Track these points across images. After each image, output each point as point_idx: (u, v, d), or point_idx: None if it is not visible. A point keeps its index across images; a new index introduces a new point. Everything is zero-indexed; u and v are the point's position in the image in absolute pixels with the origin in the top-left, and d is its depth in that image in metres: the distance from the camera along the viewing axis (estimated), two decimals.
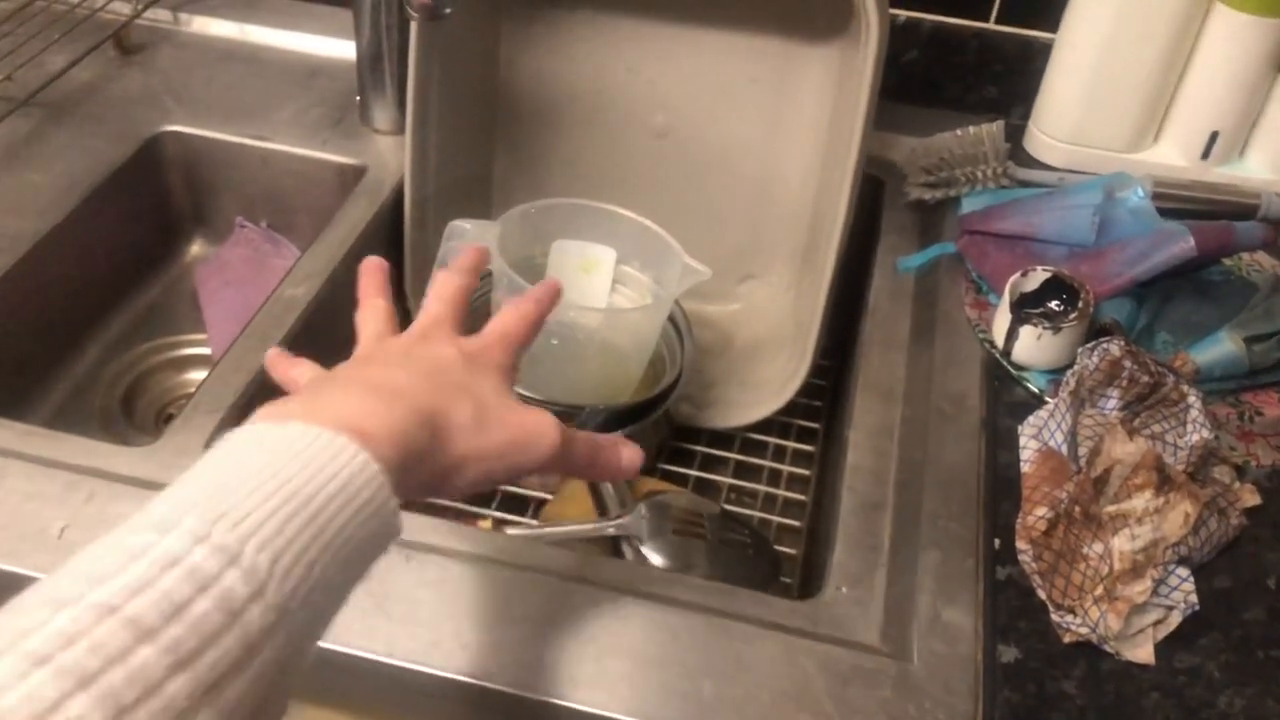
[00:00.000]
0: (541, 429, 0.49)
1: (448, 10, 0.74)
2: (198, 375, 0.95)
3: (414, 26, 0.79)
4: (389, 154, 0.95)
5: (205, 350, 0.96)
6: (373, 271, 0.58)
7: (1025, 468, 0.67)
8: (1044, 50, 0.97)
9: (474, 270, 0.58)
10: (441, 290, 0.56)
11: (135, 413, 0.91)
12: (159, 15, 1.09)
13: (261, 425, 0.41)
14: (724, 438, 0.90)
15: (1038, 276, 0.76)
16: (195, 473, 0.39)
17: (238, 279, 0.98)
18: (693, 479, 0.88)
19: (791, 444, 0.92)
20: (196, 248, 1.04)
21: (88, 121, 0.96)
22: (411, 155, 0.85)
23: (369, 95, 0.96)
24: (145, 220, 0.99)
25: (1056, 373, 0.75)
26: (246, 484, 0.37)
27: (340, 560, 0.38)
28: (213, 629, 0.33)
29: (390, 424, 0.43)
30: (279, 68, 1.05)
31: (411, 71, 0.81)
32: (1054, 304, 0.77)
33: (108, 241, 0.94)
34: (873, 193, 0.94)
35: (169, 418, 0.92)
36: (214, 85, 1.02)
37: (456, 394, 0.47)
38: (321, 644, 0.56)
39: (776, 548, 0.81)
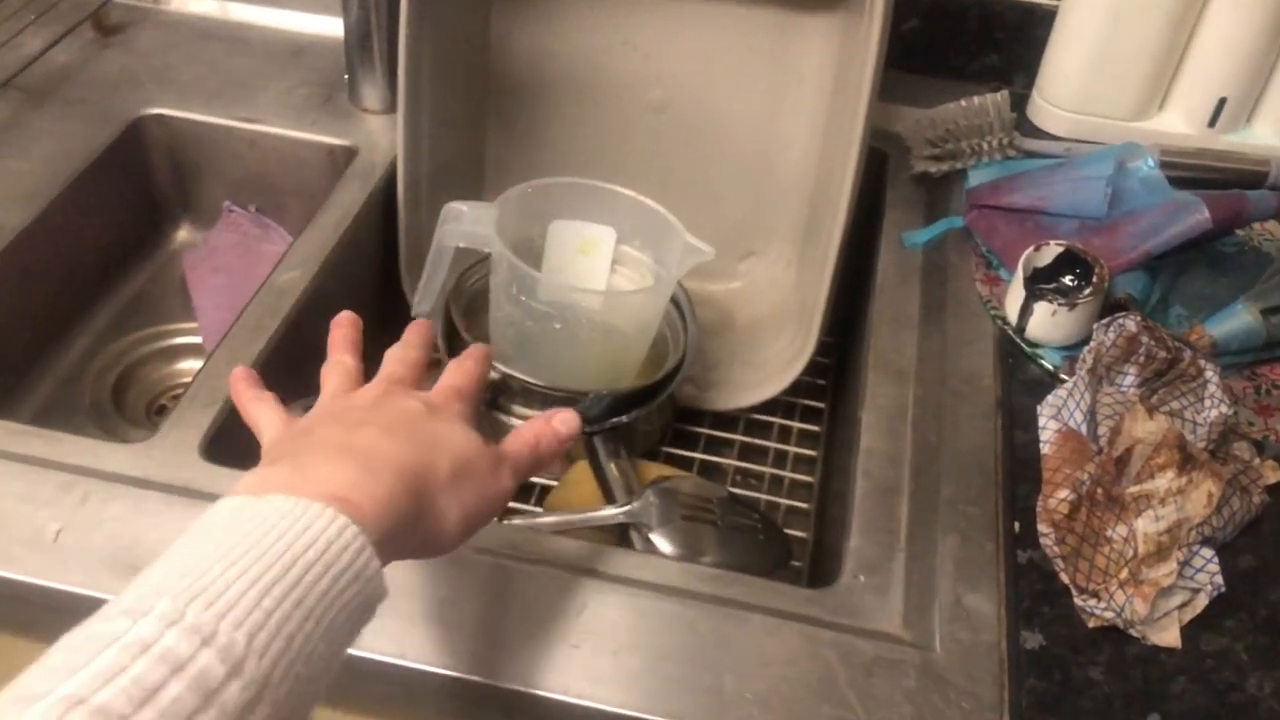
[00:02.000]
0: (500, 474, 0.51)
1: None
2: (189, 365, 0.92)
3: (403, 1, 0.77)
4: (380, 134, 0.93)
5: (196, 339, 0.93)
6: (344, 326, 0.58)
7: (1045, 449, 0.66)
8: (1047, 17, 0.95)
9: (426, 345, 0.58)
10: (401, 355, 0.56)
11: (126, 405, 0.89)
12: None
13: (239, 500, 0.41)
14: (728, 419, 0.88)
15: (1051, 251, 0.75)
16: (172, 552, 0.39)
17: (227, 265, 0.95)
18: (697, 462, 0.87)
19: (797, 424, 0.90)
20: (184, 234, 1.01)
21: (67, 106, 0.94)
22: (404, 135, 0.82)
23: (358, 74, 0.93)
24: (130, 207, 0.96)
25: (1071, 349, 0.73)
26: (223, 560, 0.37)
27: (324, 629, 0.38)
28: (186, 712, 0.33)
29: (377, 494, 0.43)
30: (264, 46, 1.02)
31: (402, 48, 0.79)
32: (1068, 279, 0.75)
33: (92, 229, 0.91)
34: (876, 166, 0.93)
35: (161, 409, 0.90)
36: (197, 66, 0.99)
37: (434, 449, 0.47)
38: None
39: (785, 531, 0.80)
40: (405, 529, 0.44)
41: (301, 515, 0.40)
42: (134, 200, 0.96)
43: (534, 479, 0.82)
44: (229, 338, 0.74)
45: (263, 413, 0.53)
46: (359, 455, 0.44)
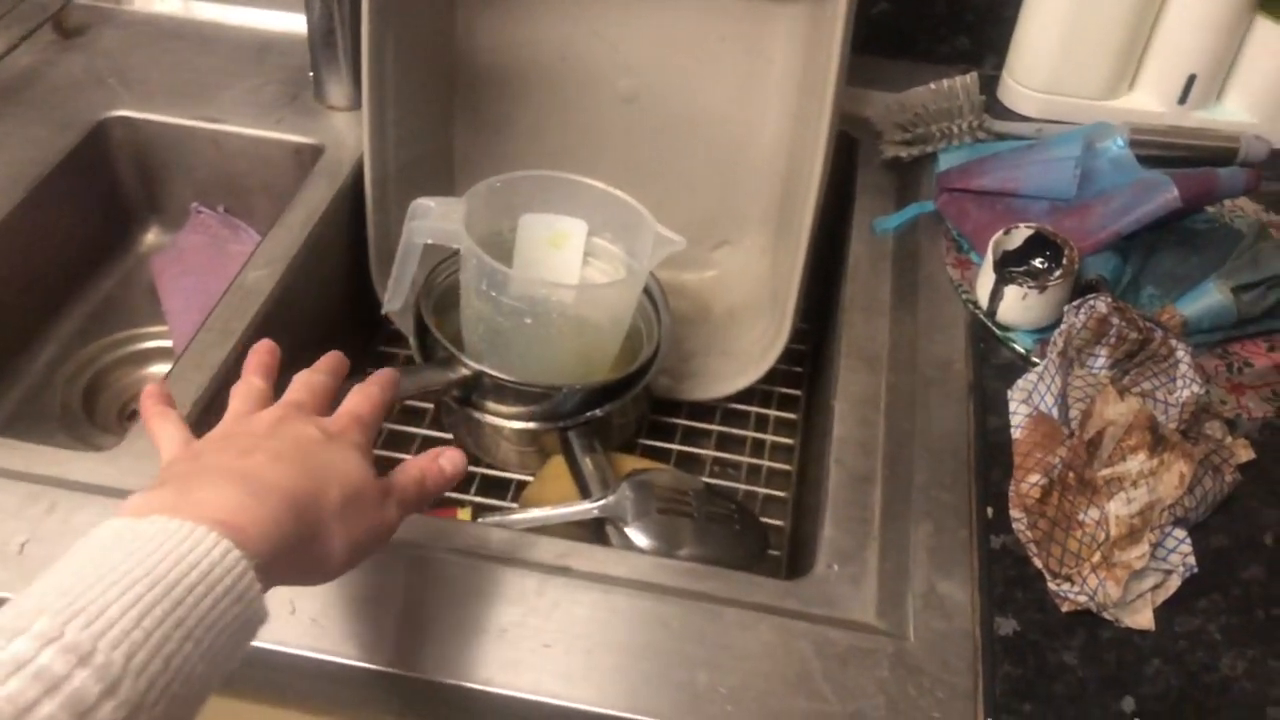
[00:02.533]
0: (387, 506, 0.51)
1: None
2: (159, 369, 0.92)
3: None
4: (346, 131, 0.92)
5: (166, 343, 0.93)
6: (261, 354, 0.57)
7: (1016, 434, 0.66)
8: None
9: (336, 374, 0.58)
10: (307, 380, 0.55)
11: (97, 412, 0.88)
12: None
13: (121, 521, 0.41)
14: (705, 409, 0.88)
15: (1020, 234, 0.75)
16: (53, 571, 0.39)
17: (196, 267, 0.94)
18: (674, 453, 0.86)
19: (774, 412, 0.90)
20: (152, 236, 1.00)
21: (29, 109, 0.92)
22: (370, 132, 0.82)
23: (322, 71, 0.92)
24: (96, 210, 0.95)
25: (1043, 332, 0.73)
26: (104, 580, 0.38)
27: (203, 650, 0.39)
28: None
29: (261, 517, 0.43)
30: (227, 45, 1.01)
31: (365, 44, 0.78)
32: (1038, 261, 0.75)
33: (58, 234, 0.90)
34: (847, 151, 0.92)
35: (133, 414, 0.89)
36: (160, 66, 0.98)
37: (324, 477, 0.47)
38: (293, 650, 0.55)
39: (763, 520, 0.80)
40: (289, 554, 0.44)
41: (186, 538, 0.40)
42: (100, 203, 0.95)
43: (509, 475, 0.82)
44: (196, 340, 0.73)
45: (164, 430, 0.53)
46: (245, 479, 0.44)
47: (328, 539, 0.47)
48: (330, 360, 0.59)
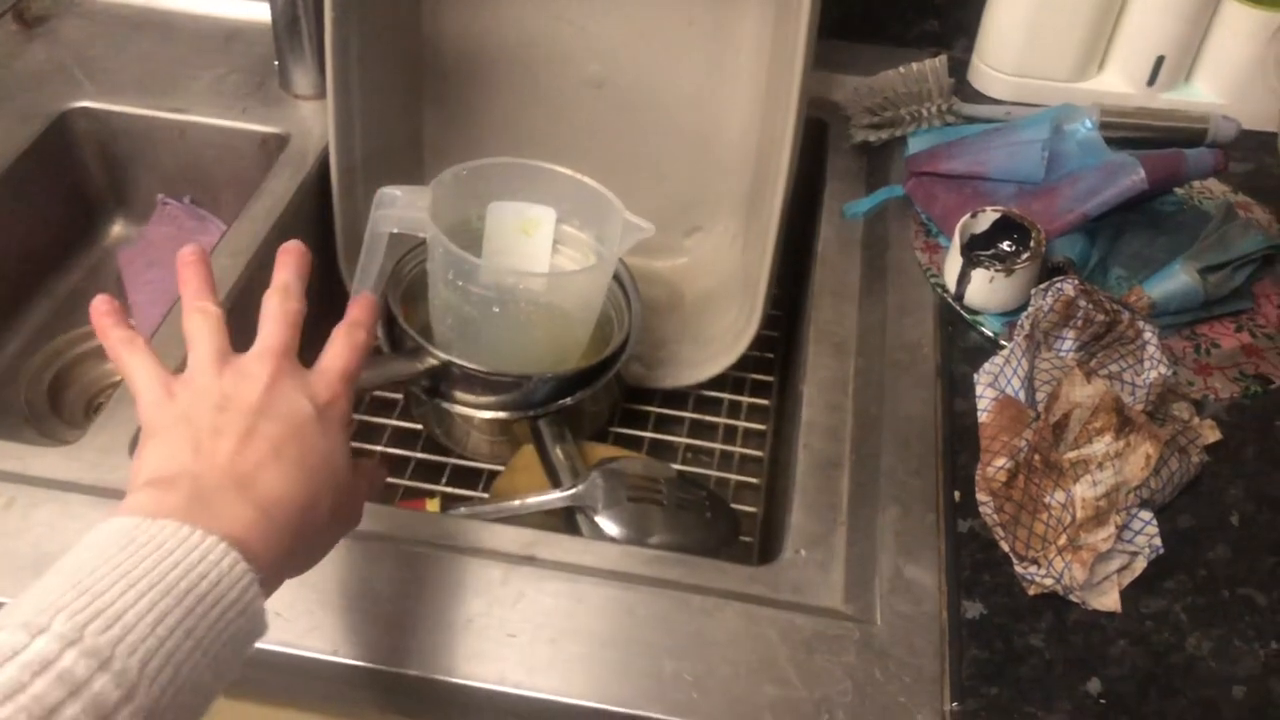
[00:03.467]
0: (359, 500, 0.52)
1: None
2: None
3: None
4: (312, 120, 0.91)
5: None
6: (192, 265, 0.52)
7: (983, 417, 0.66)
8: None
9: (304, 279, 0.54)
10: (282, 312, 0.52)
11: (64, 406, 0.88)
12: None
13: (133, 520, 0.41)
14: (678, 396, 0.88)
15: (987, 217, 0.74)
16: (67, 563, 0.39)
17: (162, 259, 0.93)
18: (647, 441, 0.86)
19: (746, 399, 0.90)
20: (118, 228, 0.99)
21: None
22: (335, 121, 0.81)
23: (287, 59, 0.91)
24: (60, 203, 0.94)
25: (1011, 315, 0.73)
26: (120, 582, 0.38)
27: (209, 659, 0.39)
28: None
29: (270, 538, 0.43)
30: (192, 34, 0.99)
31: (329, 31, 0.77)
32: (1005, 245, 0.75)
33: (21, 227, 0.89)
34: (816, 136, 0.92)
35: (100, 408, 0.88)
36: (124, 56, 0.97)
37: (320, 482, 0.47)
38: (265, 645, 0.54)
39: (735, 506, 0.79)
40: (286, 566, 0.45)
41: (197, 546, 0.40)
42: (65, 196, 0.94)
43: (480, 465, 0.81)
44: (160, 332, 0.73)
45: (137, 366, 0.49)
46: (257, 496, 0.44)
47: (316, 547, 0.49)
48: (295, 262, 0.54)
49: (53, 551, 0.58)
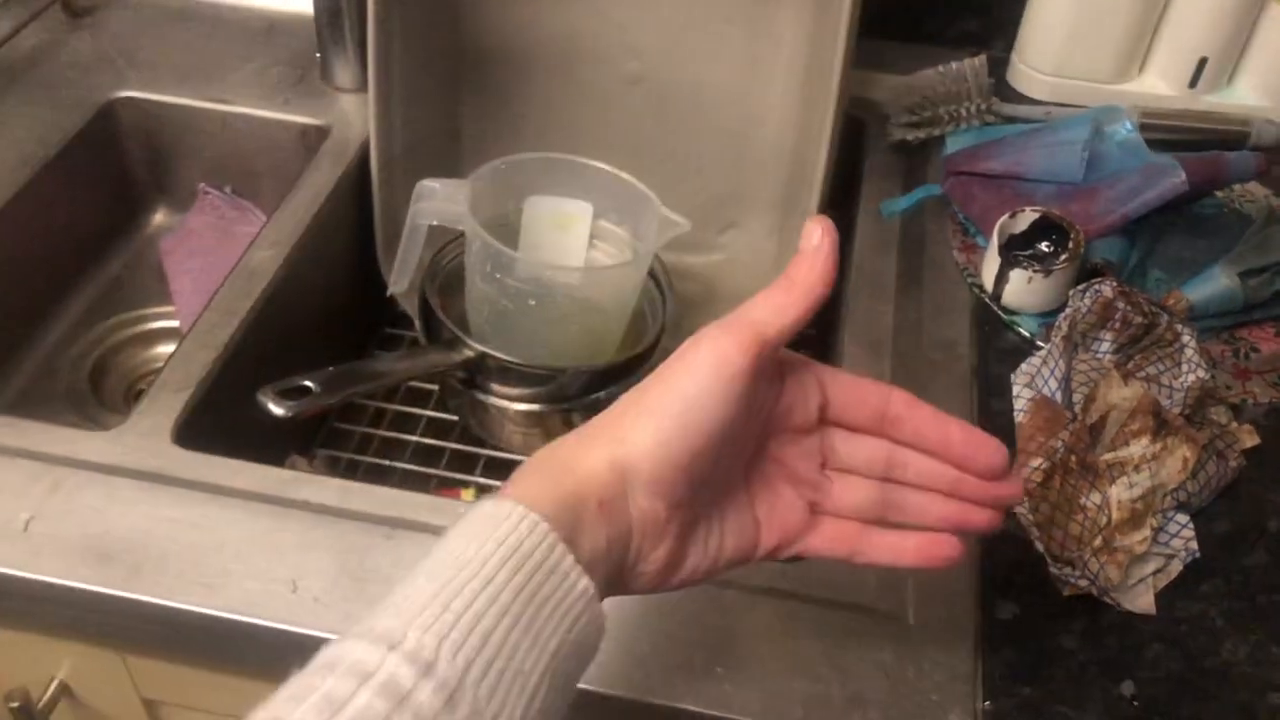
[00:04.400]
0: None
1: None
2: (166, 349, 0.92)
3: None
4: (353, 112, 0.92)
5: (173, 323, 0.93)
6: None
7: (1019, 418, 0.65)
8: None
9: None
10: None
11: (104, 391, 0.89)
12: None
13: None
14: None
15: (1026, 217, 0.74)
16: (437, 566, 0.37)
17: (203, 248, 0.95)
18: None
19: None
20: (159, 217, 1.01)
21: (38, 89, 0.93)
22: (376, 113, 0.82)
23: (329, 52, 0.92)
24: (104, 191, 0.95)
25: (1048, 316, 0.73)
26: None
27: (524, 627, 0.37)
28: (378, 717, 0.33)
29: None
30: (235, 26, 1.01)
31: (371, 24, 0.78)
32: (1044, 245, 0.75)
33: (66, 215, 0.90)
34: (854, 134, 0.92)
35: (140, 394, 0.89)
36: (168, 47, 0.98)
37: None
38: (291, 628, 0.55)
39: None
40: None
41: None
42: (108, 184, 0.95)
43: (514, 456, 0.82)
44: (201, 320, 0.73)
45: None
46: None
47: None
48: None
49: (97, 533, 0.60)
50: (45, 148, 0.87)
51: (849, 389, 0.46)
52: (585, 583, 0.39)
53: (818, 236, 0.44)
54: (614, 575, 0.42)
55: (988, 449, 0.45)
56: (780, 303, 0.43)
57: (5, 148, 0.87)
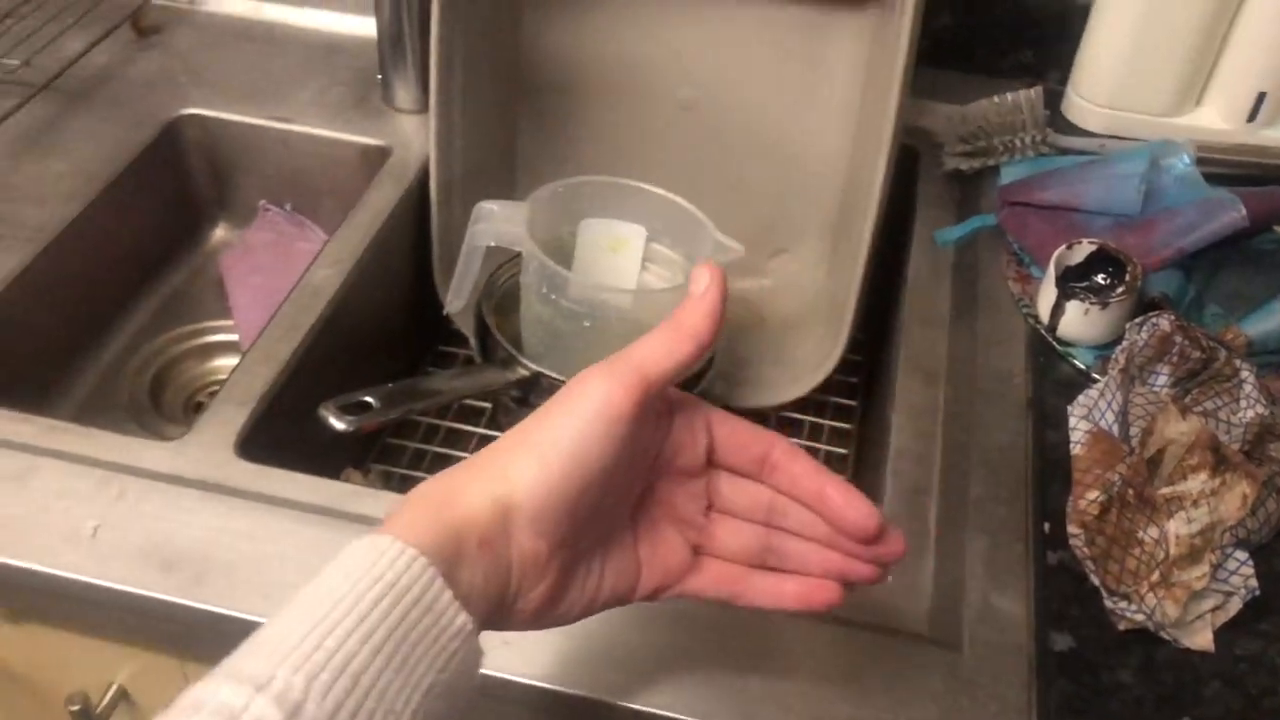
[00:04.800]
0: None
1: None
2: (225, 362, 0.94)
3: (435, 1, 0.77)
4: (413, 134, 0.93)
5: (232, 337, 0.95)
6: None
7: (1076, 449, 0.65)
8: (1081, 12, 0.94)
9: None
10: None
11: (163, 402, 0.90)
12: None
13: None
14: (759, 417, 0.88)
15: (1083, 249, 0.74)
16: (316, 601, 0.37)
17: (263, 264, 0.96)
18: None
19: (828, 422, 0.90)
20: (220, 232, 1.03)
21: (106, 106, 0.95)
22: (436, 135, 0.83)
23: (391, 73, 0.94)
24: (168, 206, 0.97)
25: (1104, 349, 0.73)
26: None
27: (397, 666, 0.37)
28: None
29: None
30: (298, 46, 1.03)
31: (434, 48, 0.79)
32: (1100, 277, 0.74)
33: (130, 229, 0.92)
34: (907, 163, 0.92)
35: (198, 406, 0.91)
36: (232, 66, 1.00)
37: None
38: None
39: None
40: None
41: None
42: (172, 200, 0.97)
43: None
44: (264, 336, 0.75)
45: None
46: None
47: None
48: None
49: (160, 541, 0.61)
50: (112, 164, 0.89)
51: (734, 433, 0.46)
52: (463, 619, 0.39)
53: (704, 283, 0.44)
54: (493, 612, 0.41)
55: (860, 512, 0.44)
56: (667, 346, 0.44)
57: (75, 163, 0.89)
